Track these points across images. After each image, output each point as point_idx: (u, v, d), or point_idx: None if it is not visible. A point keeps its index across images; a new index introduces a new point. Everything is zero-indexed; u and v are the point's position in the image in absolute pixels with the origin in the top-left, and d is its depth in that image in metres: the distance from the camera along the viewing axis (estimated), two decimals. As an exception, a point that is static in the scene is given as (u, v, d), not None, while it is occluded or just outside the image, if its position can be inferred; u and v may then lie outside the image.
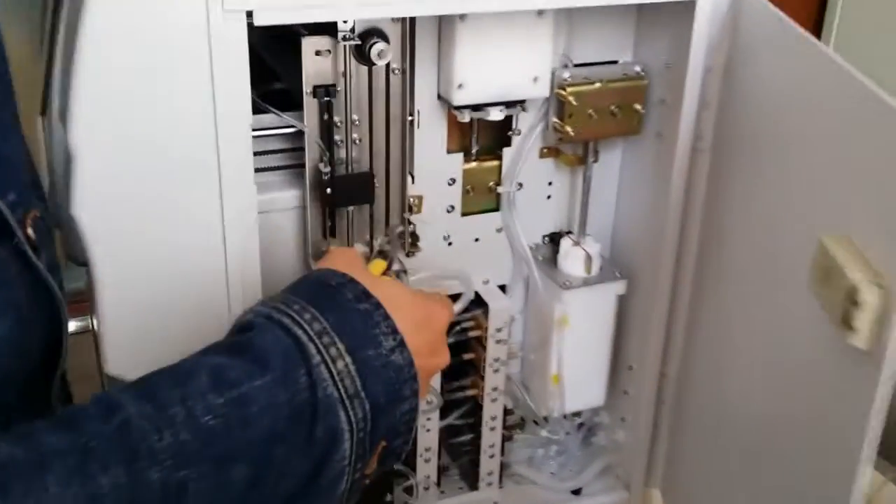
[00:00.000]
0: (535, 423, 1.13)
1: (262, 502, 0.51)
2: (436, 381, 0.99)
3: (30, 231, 0.58)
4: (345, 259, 0.61)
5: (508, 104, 0.89)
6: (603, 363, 1.04)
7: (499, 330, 0.97)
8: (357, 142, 0.85)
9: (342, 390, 0.52)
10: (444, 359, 0.64)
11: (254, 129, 0.75)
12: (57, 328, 0.62)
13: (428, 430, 1.02)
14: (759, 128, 0.86)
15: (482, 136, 0.95)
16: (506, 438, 1.09)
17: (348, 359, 0.53)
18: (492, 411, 1.04)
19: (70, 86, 0.66)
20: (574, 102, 0.89)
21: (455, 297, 0.90)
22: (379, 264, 0.70)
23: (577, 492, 1.12)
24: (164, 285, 0.76)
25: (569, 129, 0.90)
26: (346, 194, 0.85)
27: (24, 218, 0.58)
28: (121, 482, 0.44)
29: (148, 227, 0.73)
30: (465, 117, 0.88)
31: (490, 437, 1.06)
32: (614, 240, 1.04)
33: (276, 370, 0.51)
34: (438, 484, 1.07)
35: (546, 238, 1.03)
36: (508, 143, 0.96)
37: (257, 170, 0.78)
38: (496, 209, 0.99)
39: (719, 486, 1.01)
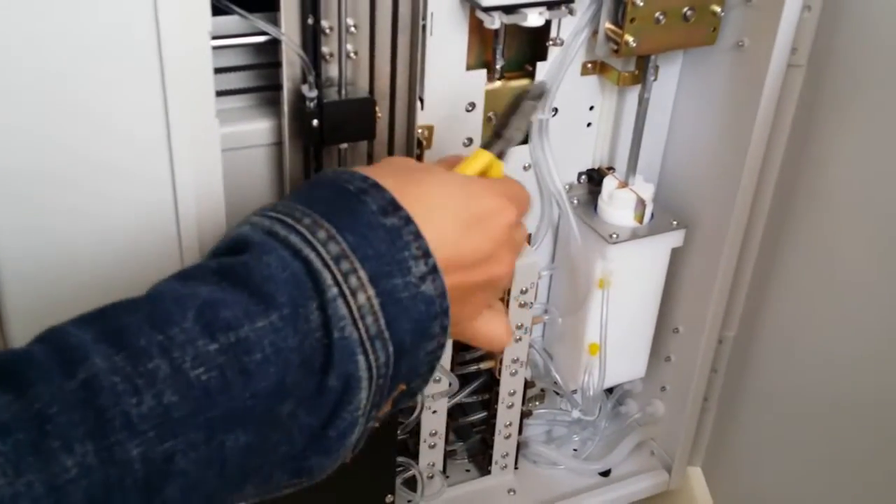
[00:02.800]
0: (557, 394, 0.94)
1: (258, 466, 0.41)
2: (446, 357, 0.80)
3: None
4: (395, 164, 0.50)
5: (551, 4, 0.67)
6: (648, 326, 0.86)
7: (523, 291, 0.77)
8: (352, 56, 0.63)
9: (362, 330, 0.42)
10: (504, 268, 0.50)
11: (212, 37, 0.53)
12: None
13: (434, 412, 0.83)
14: (877, 43, 0.65)
15: (510, 46, 0.73)
16: (524, 414, 0.91)
17: (371, 290, 0.42)
18: (510, 386, 0.85)
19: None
20: (639, 3, 0.67)
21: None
22: (480, 157, 0.54)
23: (605, 473, 0.95)
24: (93, 252, 0.55)
25: (629, 37, 0.69)
26: (340, 127, 0.63)
27: None
28: (89, 462, 0.34)
29: (67, 170, 0.51)
30: (495, 22, 0.66)
31: (507, 415, 0.88)
32: (664, 179, 0.84)
33: (284, 306, 0.40)
34: (444, 470, 0.89)
35: (583, 176, 0.82)
36: (543, 57, 0.74)
37: (216, 93, 0.56)
38: (524, 141, 0.78)
39: (779, 469, 0.85)
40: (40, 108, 0.50)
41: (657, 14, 0.69)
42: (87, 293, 0.56)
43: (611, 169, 0.81)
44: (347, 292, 0.41)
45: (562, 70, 0.73)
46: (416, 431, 0.84)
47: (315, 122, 0.62)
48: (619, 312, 0.81)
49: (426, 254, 0.44)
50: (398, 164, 0.50)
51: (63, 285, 0.56)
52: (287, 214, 0.43)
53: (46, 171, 0.51)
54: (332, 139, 0.64)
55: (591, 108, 0.79)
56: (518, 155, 0.78)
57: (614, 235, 0.77)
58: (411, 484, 0.86)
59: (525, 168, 0.78)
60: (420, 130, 0.70)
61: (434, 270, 0.44)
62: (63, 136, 0.51)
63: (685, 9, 0.69)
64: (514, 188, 0.53)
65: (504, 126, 0.55)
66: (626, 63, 0.75)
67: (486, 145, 0.54)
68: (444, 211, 0.46)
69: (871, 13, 0.66)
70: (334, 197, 0.44)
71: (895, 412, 0.70)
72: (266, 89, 0.65)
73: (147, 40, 0.50)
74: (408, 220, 0.44)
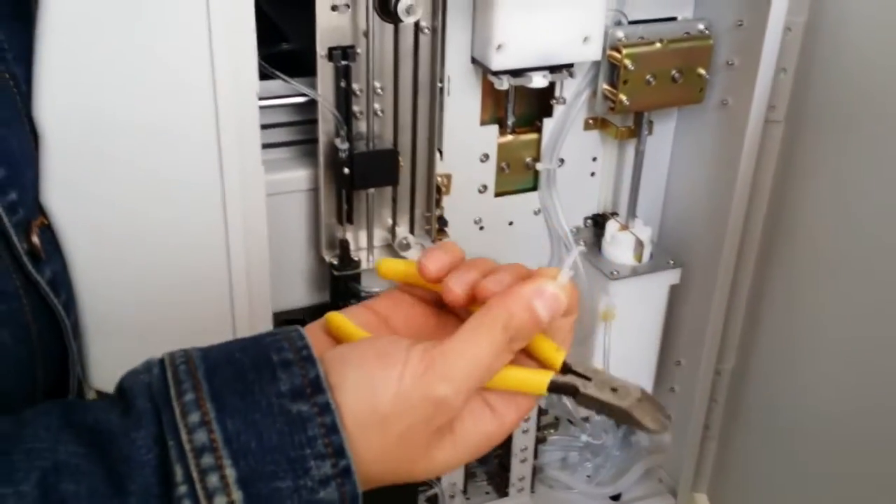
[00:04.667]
0: (570, 422, 1.02)
1: None
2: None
3: (35, 239, 0.48)
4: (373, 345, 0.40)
5: (553, 69, 0.76)
6: (651, 359, 0.93)
7: (535, 324, 0.86)
8: (379, 113, 0.73)
9: None
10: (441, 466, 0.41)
11: (259, 98, 0.63)
12: (62, 353, 0.52)
13: (454, 435, 0.91)
14: (847, 98, 0.74)
15: (519, 104, 0.83)
16: (539, 440, 0.98)
17: (237, 494, 0.35)
18: (525, 413, 0.93)
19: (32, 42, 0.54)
20: (630, 66, 0.77)
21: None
22: (556, 356, 0.43)
23: (616, 497, 1.02)
24: (156, 286, 0.64)
25: (623, 97, 0.78)
26: (368, 174, 0.73)
27: (29, 224, 0.49)
28: None
29: (133, 218, 0.61)
30: (504, 84, 0.75)
31: (522, 440, 0.96)
32: (664, 223, 0.92)
33: (132, 495, 0.34)
34: (465, 491, 0.97)
35: (588, 220, 0.91)
36: (549, 114, 0.84)
37: (262, 146, 0.66)
38: (533, 188, 0.87)
39: (778, 492, 0.91)
40: (126, 198, 0.60)
41: (647, 76, 0.78)
42: (149, 316, 0.66)
43: (614, 214, 0.90)
44: (201, 493, 0.34)
45: (566, 125, 0.83)
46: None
47: (346, 169, 0.72)
48: (623, 344, 0.89)
49: (338, 452, 0.36)
50: (383, 348, 0.39)
51: (126, 314, 0.65)
52: (177, 382, 0.36)
53: (114, 215, 0.61)
54: (361, 185, 0.73)
55: (594, 159, 0.88)
56: (528, 200, 0.87)
57: (615, 272, 0.85)
58: (434, 502, 0.94)
59: (535, 213, 0.87)
60: (440, 178, 0.80)
61: (345, 474, 0.36)
62: (130, 184, 0.61)
63: (673, 71, 0.79)
64: (519, 405, 0.42)
65: (604, 394, 0.42)
66: (623, 119, 0.84)
67: (568, 368, 0.42)
68: (394, 424, 0.38)
69: (842, 74, 0.74)
70: (248, 367, 0.37)
71: (889, 434, 0.76)
72: (304, 143, 0.75)
73: (204, 105, 0.60)
74: (325, 409, 0.36)
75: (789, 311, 0.85)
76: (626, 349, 0.89)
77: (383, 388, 0.37)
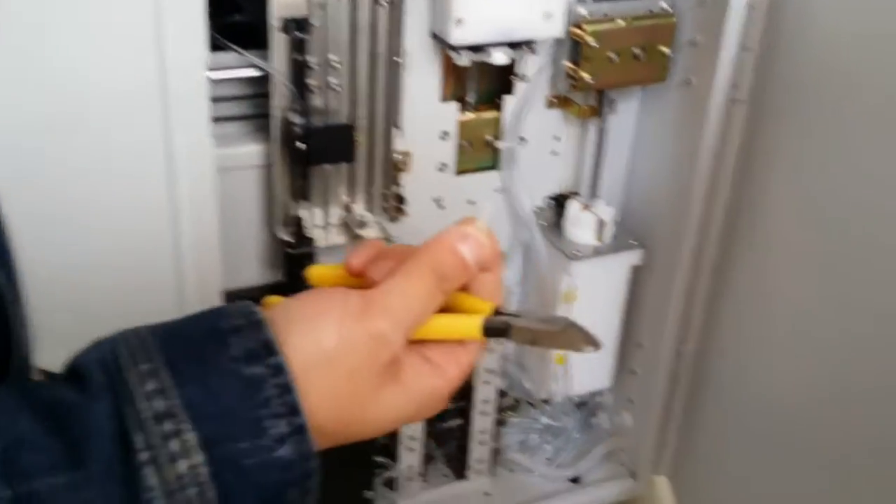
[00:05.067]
0: (531, 404, 1.01)
1: None
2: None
3: None
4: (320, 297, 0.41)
5: (514, 45, 0.75)
6: (612, 341, 0.92)
7: (495, 305, 0.84)
8: (335, 88, 0.71)
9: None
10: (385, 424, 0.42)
11: (209, 70, 0.61)
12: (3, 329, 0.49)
13: (413, 417, 0.89)
14: (812, 78, 0.73)
15: (481, 81, 0.81)
16: (498, 423, 0.97)
17: (200, 456, 0.35)
18: (484, 394, 0.92)
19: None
20: (593, 44, 0.75)
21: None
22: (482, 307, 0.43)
23: (575, 480, 1.01)
24: (101, 264, 0.62)
25: (585, 75, 0.77)
26: (323, 150, 0.71)
27: None
28: None
29: (76, 195, 0.59)
30: (463, 60, 0.74)
31: (481, 422, 0.95)
32: (626, 203, 0.91)
33: (93, 464, 0.34)
34: (423, 474, 0.96)
35: (550, 200, 0.90)
36: (510, 91, 0.82)
37: (213, 120, 0.64)
38: (494, 167, 0.85)
39: (739, 474, 0.91)
40: (68, 168, 0.57)
41: (610, 54, 0.77)
42: (94, 294, 0.63)
43: (575, 193, 0.89)
44: (164, 459, 0.35)
45: (527, 103, 0.81)
46: (395, 435, 0.90)
47: (302, 145, 0.70)
48: (586, 324, 0.88)
49: (292, 411, 0.37)
50: (323, 298, 0.40)
51: (71, 292, 0.63)
52: (131, 355, 0.37)
53: (56, 188, 0.59)
54: (317, 160, 0.72)
55: (557, 137, 0.87)
56: (489, 179, 0.85)
57: (577, 252, 0.84)
58: (391, 485, 0.93)
59: (495, 191, 0.86)
60: (399, 156, 0.78)
61: (299, 432, 0.37)
62: (70, 156, 0.58)
63: (636, 49, 0.77)
64: (461, 355, 0.43)
65: (533, 324, 0.43)
66: (586, 97, 0.83)
67: (498, 312, 0.43)
68: (345, 370, 0.39)
69: (806, 51, 0.74)
70: (199, 337, 0.38)
71: (847, 413, 0.76)
72: (258, 117, 0.73)
73: (151, 75, 0.58)
74: (277, 370, 0.37)
75: (751, 293, 0.84)
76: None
77: (326, 332, 0.39)
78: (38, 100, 0.55)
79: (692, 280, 0.87)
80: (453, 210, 0.85)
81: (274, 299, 0.44)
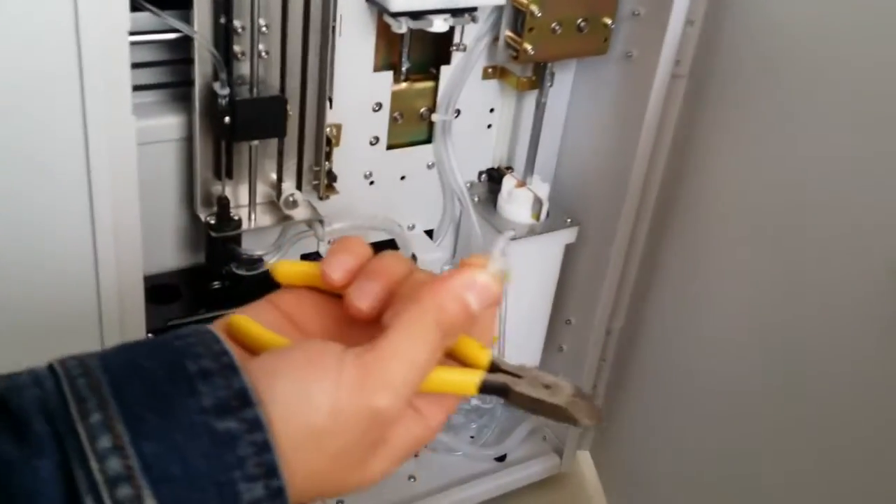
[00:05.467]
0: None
1: None
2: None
3: None
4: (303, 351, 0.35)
5: (455, 12, 0.70)
6: (543, 319, 0.90)
7: (426, 285, 0.81)
8: (264, 55, 0.65)
9: None
10: (375, 476, 0.38)
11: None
12: None
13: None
14: (755, 53, 0.71)
15: (415, 49, 0.76)
16: (424, 404, 0.94)
17: None
18: (412, 376, 0.88)
19: None
20: (537, 13, 0.72)
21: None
22: (482, 355, 0.39)
23: (500, 458, 0.99)
24: (8, 248, 0.55)
25: (528, 46, 0.73)
26: (251, 124, 0.65)
27: None
28: None
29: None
30: (402, 27, 0.69)
31: (408, 404, 0.91)
32: (557, 179, 0.89)
33: None
34: (347, 459, 0.92)
35: (483, 175, 0.86)
36: (446, 61, 0.78)
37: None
38: (427, 141, 0.81)
39: (658, 453, 0.91)
40: None
41: (553, 24, 0.73)
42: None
43: (509, 168, 0.86)
44: None
45: (464, 74, 0.77)
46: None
47: (227, 118, 0.64)
48: (517, 305, 0.86)
49: (270, 472, 0.32)
50: (314, 355, 0.35)
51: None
52: (80, 400, 0.31)
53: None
54: (244, 136, 0.65)
55: (492, 110, 0.83)
56: (421, 154, 0.81)
57: (513, 232, 0.81)
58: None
59: (428, 167, 0.82)
60: (329, 129, 0.73)
61: (277, 494, 0.32)
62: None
63: (579, 20, 0.74)
64: (439, 407, 0.39)
65: (535, 391, 0.39)
66: (524, 69, 0.79)
67: (496, 366, 0.40)
68: (329, 444, 0.34)
69: (749, 27, 0.72)
70: (161, 379, 0.33)
71: (767, 395, 0.76)
72: (177, 85, 0.66)
73: (66, 31, 0.50)
74: (254, 425, 0.32)
75: (682, 271, 0.83)
76: (520, 310, 0.86)
77: (318, 402, 0.33)
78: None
79: (625, 258, 0.86)
80: (384, 186, 0.80)
81: (239, 318, 0.39)
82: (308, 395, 0.33)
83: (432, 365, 0.37)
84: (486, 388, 0.38)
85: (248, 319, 0.39)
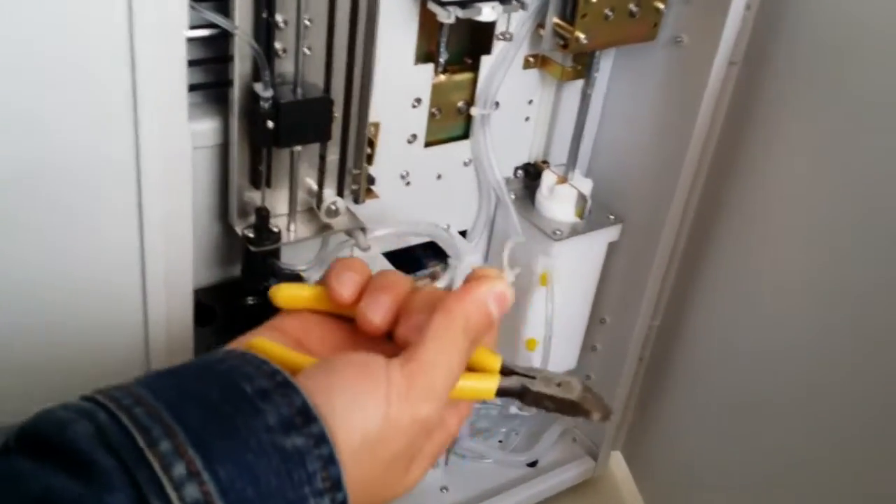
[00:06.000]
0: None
1: None
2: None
3: None
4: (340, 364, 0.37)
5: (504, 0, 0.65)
6: (582, 321, 0.86)
7: (463, 289, 0.76)
8: (306, 51, 0.59)
9: None
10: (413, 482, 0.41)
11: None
12: None
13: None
14: (814, 41, 0.67)
15: (452, 39, 0.71)
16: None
17: None
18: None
19: None
20: (592, -1, 0.67)
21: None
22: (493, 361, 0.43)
23: (532, 464, 0.95)
24: (53, 269, 0.49)
25: (580, 33, 0.68)
26: (297, 129, 0.59)
27: None
28: None
29: (28, 176, 0.45)
30: (450, 17, 0.63)
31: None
32: (592, 173, 0.84)
33: None
34: (377, 474, 0.87)
35: (519, 171, 0.81)
36: (485, 50, 0.72)
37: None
38: (464, 136, 0.76)
39: (692, 453, 0.88)
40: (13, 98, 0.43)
41: (606, 10, 0.68)
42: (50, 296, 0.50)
43: (545, 163, 0.81)
44: None
45: (507, 64, 0.72)
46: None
47: (270, 123, 0.58)
48: (558, 307, 0.81)
49: (335, 486, 0.33)
50: (364, 369, 0.37)
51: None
52: (143, 430, 0.31)
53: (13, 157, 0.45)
54: (289, 141, 0.59)
55: (530, 101, 0.78)
56: (458, 150, 0.76)
57: (558, 232, 0.76)
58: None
59: (465, 164, 0.77)
60: (368, 128, 0.67)
61: None
62: (33, 127, 0.45)
63: (631, 4, 0.69)
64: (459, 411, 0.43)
65: (549, 389, 0.43)
66: (566, 57, 0.74)
67: (509, 370, 0.43)
68: (384, 449, 0.36)
69: (807, 13, 0.68)
70: (219, 402, 0.33)
71: (804, 398, 0.73)
72: (211, 86, 0.60)
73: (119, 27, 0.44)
74: (320, 440, 0.33)
75: (726, 270, 0.80)
76: (560, 311, 0.81)
77: (372, 412, 0.35)
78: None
79: (670, 255, 0.82)
80: (420, 186, 0.74)
81: (260, 341, 0.40)
82: (363, 407, 0.35)
83: (462, 371, 0.39)
84: (503, 392, 0.42)
85: (268, 341, 0.40)
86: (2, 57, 0.42)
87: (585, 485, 0.97)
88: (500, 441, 0.96)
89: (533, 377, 0.43)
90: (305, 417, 0.33)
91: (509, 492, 0.91)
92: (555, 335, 0.83)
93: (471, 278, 0.42)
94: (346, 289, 0.42)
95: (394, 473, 0.38)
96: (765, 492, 0.79)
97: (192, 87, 0.59)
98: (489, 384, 0.42)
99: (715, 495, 0.86)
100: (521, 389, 0.42)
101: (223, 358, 0.35)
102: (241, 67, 0.57)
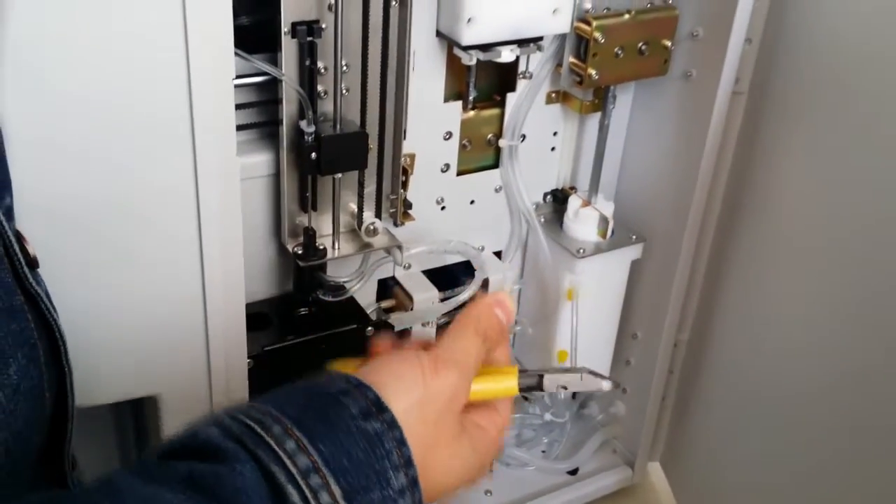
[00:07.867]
0: (525, 398, 1.01)
1: None
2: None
3: (29, 248, 0.45)
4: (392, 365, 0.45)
5: (521, 42, 0.73)
6: (611, 334, 0.93)
7: (497, 304, 0.83)
8: (344, 92, 0.68)
9: None
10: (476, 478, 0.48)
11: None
12: (60, 375, 0.48)
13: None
14: (814, 70, 0.73)
15: (479, 78, 0.79)
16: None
17: None
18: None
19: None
20: (600, 39, 0.74)
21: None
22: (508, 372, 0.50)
23: (573, 472, 1.01)
24: (126, 282, 0.59)
25: (592, 71, 0.76)
26: (336, 158, 0.68)
27: (19, 231, 0.46)
28: None
29: (100, 208, 0.56)
30: (472, 59, 0.72)
31: (482, 421, 0.94)
32: (619, 197, 0.91)
33: None
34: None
35: (548, 196, 0.89)
36: (511, 88, 0.81)
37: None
38: (494, 166, 0.84)
39: (728, 463, 0.92)
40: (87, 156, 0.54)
41: (616, 49, 0.76)
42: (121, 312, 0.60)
43: (573, 189, 0.88)
44: None
45: (529, 100, 0.80)
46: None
47: (313, 154, 0.67)
48: (586, 321, 0.88)
49: (408, 462, 0.40)
50: (401, 359, 0.46)
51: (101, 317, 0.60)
52: (257, 422, 0.39)
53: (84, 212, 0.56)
54: (329, 170, 0.69)
55: (555, 133, 0.86)
56: (489, 178, 0.84)
57: (581, 250, 0.84)
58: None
59: (496, 190, 0.85)
60: (403, 158, 0.76)
61: (414, 483, 0.41)
62: (102, 175, 0.55)
63: (640, 43, 0.77)
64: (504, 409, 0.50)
65: (559, 375, 0.50)
66: (586, 93, 0.82)
67: (523, 371, 0.50)
68: (429, 409, 0.43)
69: (806, 45, 0.74)
70: (310, 399, 0.41)
71: (834, 404, 0.78)
72: (264, 125, 0.70)
73: (179, 78, 0.54)
74: (392, 424, 0.41)
75: (747, 284, 0.85)
76: (589, 326, 0.88)
77: (414, 384, 0.43)
78: (64, 120, 0.52)
79: (691, 271, 0.88)
80: (455, 210, 0.83)
81: (340, 364, 0.49)
82: (405, 380, 0.43)
83: (479, 360, 0.47)
84: (524, 387, 0.49)
85: (343, 363, 0.49)
86: (82, 111, 0.52)
87: (624, 492, 1.02)
88: (543, 451, 1.03)
89: (542, 372, 0.50)
90: (378, 407, 0.41)
91: (549, 495, 0.97)
92: (584, 348, 0.89)
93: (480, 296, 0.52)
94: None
95: (442, 433, 0.44)
96: (799, 499, 0.83)
97: (248, 126, 0.70)
98: (508, 382, 0.49)
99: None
100: (538, 381, 0.50)
101: (303, 381, 0.43)
102: (288, 108, 0.67)
